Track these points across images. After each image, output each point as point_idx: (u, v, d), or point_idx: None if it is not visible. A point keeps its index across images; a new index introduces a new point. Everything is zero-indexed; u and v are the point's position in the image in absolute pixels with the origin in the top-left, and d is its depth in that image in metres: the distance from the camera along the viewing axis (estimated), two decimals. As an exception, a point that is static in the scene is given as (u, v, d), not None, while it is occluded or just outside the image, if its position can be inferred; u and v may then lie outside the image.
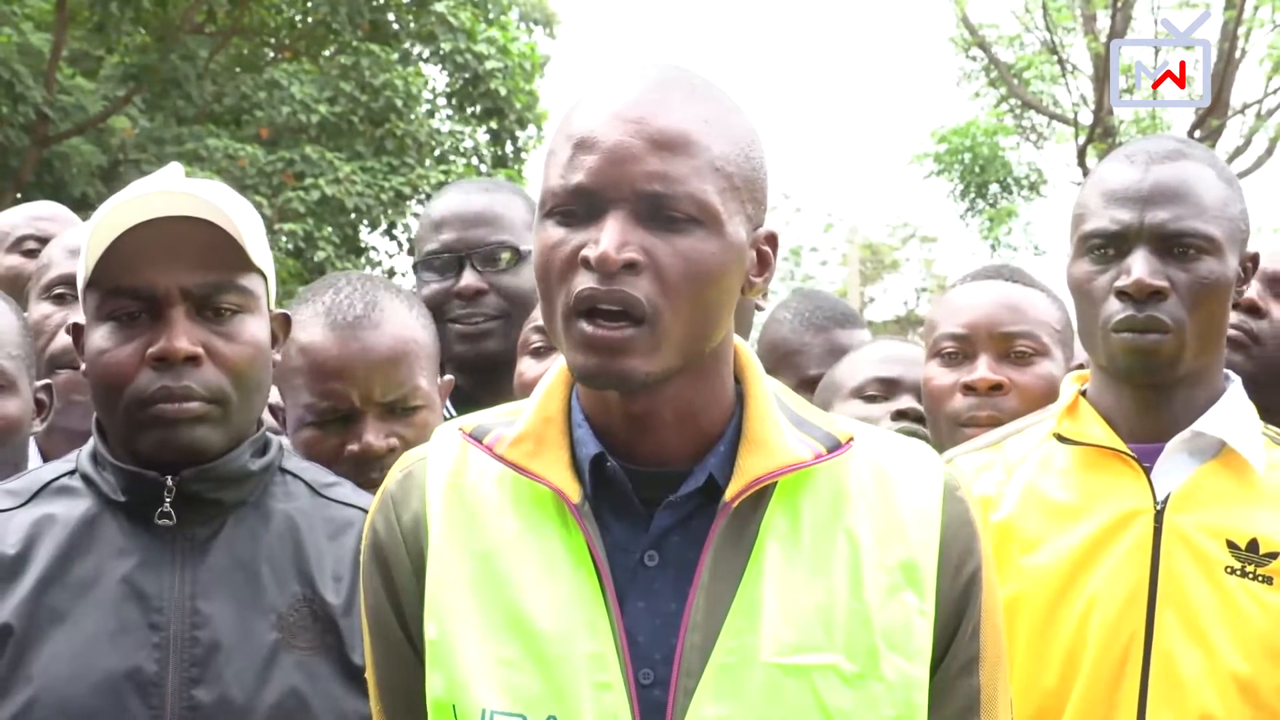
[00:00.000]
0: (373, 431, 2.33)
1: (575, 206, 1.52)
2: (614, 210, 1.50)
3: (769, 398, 1.62)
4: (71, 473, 2.02)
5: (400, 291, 2.49)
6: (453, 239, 2.93)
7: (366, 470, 2.28)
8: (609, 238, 1.49)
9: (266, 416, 2.20)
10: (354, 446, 2.32)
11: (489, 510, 1.62)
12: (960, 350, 2.68)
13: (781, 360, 3.16)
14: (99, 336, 1.96)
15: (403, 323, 2.40)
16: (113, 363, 1.94)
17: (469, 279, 2.90)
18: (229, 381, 1.95)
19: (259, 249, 1.99)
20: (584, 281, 1.50)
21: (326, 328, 2.36)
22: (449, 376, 2.53)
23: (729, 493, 1.56)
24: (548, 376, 1.66)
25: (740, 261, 1.56)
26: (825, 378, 2.99)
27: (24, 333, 2.40)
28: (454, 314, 2.90)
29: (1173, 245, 2.10)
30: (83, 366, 2.02)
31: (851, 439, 1.62)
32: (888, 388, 2.87)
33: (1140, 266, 2.09)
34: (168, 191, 1.95)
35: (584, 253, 1.50)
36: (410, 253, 18.75)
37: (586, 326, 1.50)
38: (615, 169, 1.50)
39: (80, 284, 2.01)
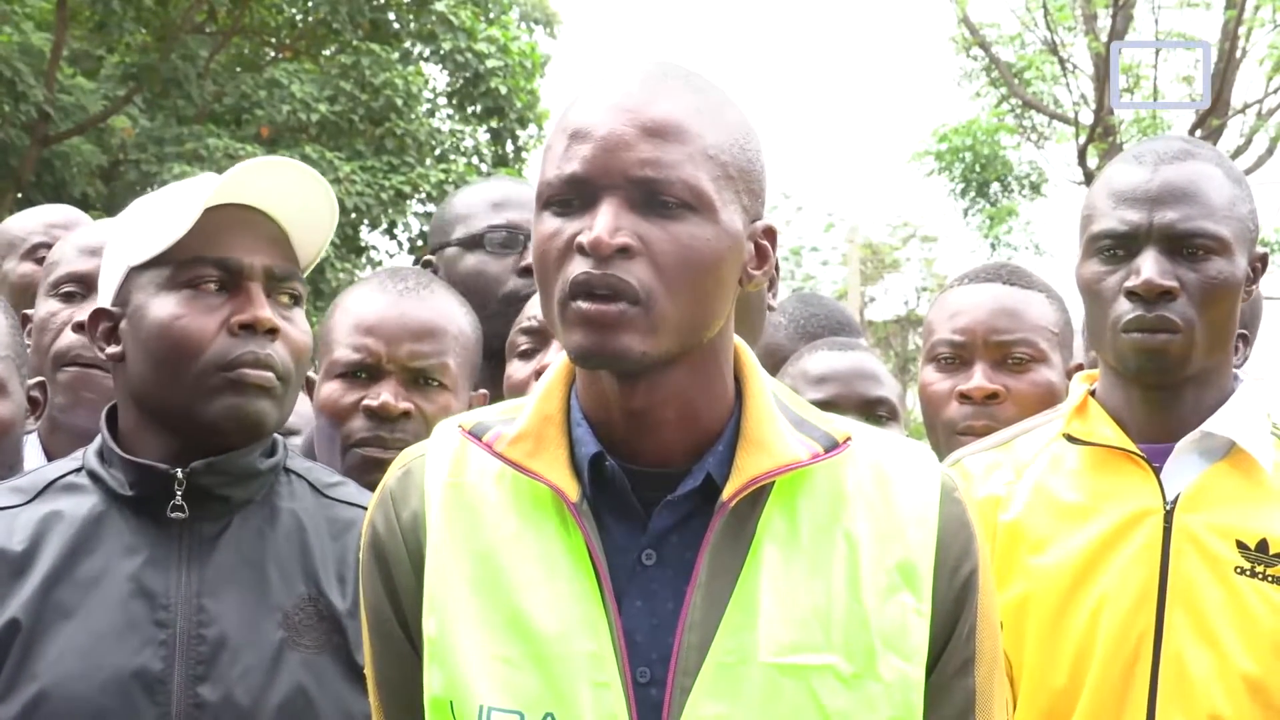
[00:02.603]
0: (392, 391, 2.40)
1: (571, 196, 1.53)
2: (608, 197, 1.51)
3: (768, 397, 1.62)
4: (78, 470, 2.01)
5: (456, 293, 2.56)
6: (520, 219, 2.94)
7: (377, 429, 2.38)
8: (602, 223, 1.50)
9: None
10: (372, 402, 2.40)
11: (488, 508, 1.62)
12: (956, 356, 2.67)
13: (776, 366, 3.14)
14: (170, 304, 1.97)
15: (448, 306, 2.50)
16: (192, 327, 1.95)
17: None
18: (293, 362, 2.00)
19: (312, 250, 2.07)
20: (579, 267, 1.51)
21: (374, 291, 2.49)
22: (483, 390, 2.55)
23: (726, 492, 1.56)
24: (547, 375, 1.66)
25: (736, 251, 1.56)
26: None
27: (13, 332, 2.39)
28: (510, 290, 2.90)
29: (1182, 245, 2.10)
30: (109, 351, 2.02)
31: (849, 439, 1.62)
32: (826, 410, 2.78)
33: (1149, 267, 2.09)
34: (280, 168, 2.01)
35: (578, 239, 1.51)
36: (411, 251, 18.81)
37: (582, 304, 1.51)
38: (608, 156, 1.52)
39: (133, 262, 2.01)
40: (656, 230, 1.51)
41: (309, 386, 2.52)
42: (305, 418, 2.72)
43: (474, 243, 2.96)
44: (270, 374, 1.96)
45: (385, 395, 2.39)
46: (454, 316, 2.50)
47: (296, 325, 2.02)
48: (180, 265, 1.97)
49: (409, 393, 2.41)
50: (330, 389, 2.44)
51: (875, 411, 2.82)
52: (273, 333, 1.97)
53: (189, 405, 1.96)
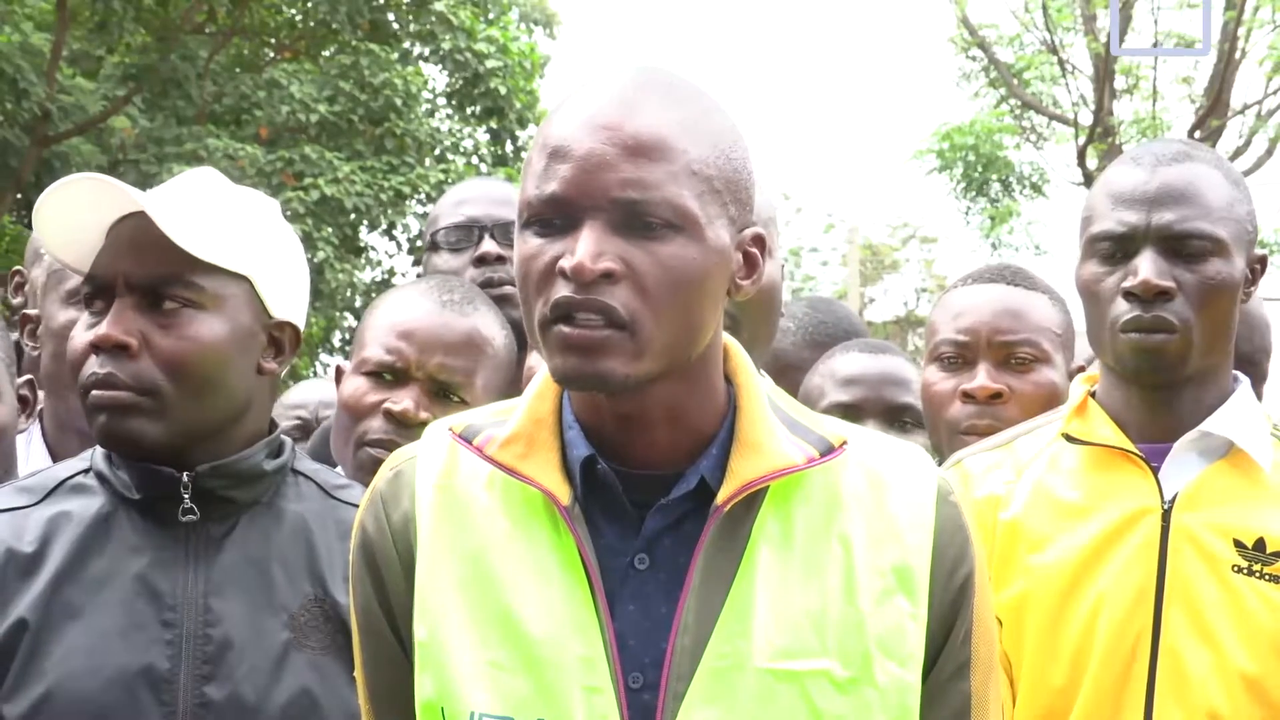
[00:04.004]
0: (415, 399, 2.41)
1: (552, 216, 1.49)
2: (590, 220, 1.47)
3: (761, 400, 1.60)
4: (86, 471, 2.02)
5: (498, 311, 2.57)
6: (478, 213, 2.98)
7: (393, 433, 2.38)
8: (584, 248, 1.46)
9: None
10: (393, 406, 2.40)
11: (479, 511, 1.60)
12: (959, 356, 2.67)
13: (781, 373, 3.13)
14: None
15: (487, 324, 2.50)
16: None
17: (488, 246, 2.94)
18: (163, 375, 1.92)
19: (224, 250, 1.96)
20: (561, 290, 1.48)
21: (419, 296, 2.49)
22: None
23: (720, 496, 1.54)
24: (539, 378, 1.65)
25: (724, 265, 1.53)
26: (800, 391, 2.94)
27: (5, 336, 2.40)
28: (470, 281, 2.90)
29: (1179, 246, 2.11)
30: None
31: (845, 442, 1.60)
32: (850, 413, 2.78)
33: (1147, 267, 2.10)
34: (106, 186, 1.94)
35: (560, 263, 1.48)
36: (411, 252, 18.81)
37: (564, 328, 1.49)
38: (589, 177, 1.47)
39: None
40: (640, 253, 1.48)
41: (338, 377, 2.53)
42: None
43: (434, 244, 3.01)
44: (119, 393, 1.91)
45: (407, 402, 2.39)
46: (491, 336, 2.49)
47: (174, 333, 1.93)
48: (83, 282, 2.00)
49: (431, 403, 2.40)
50: (355, 385, 2.45)
51: (900, 418, 2.82)
52: (123, 348, 1.92)
53: (89, 423, 1.97)
